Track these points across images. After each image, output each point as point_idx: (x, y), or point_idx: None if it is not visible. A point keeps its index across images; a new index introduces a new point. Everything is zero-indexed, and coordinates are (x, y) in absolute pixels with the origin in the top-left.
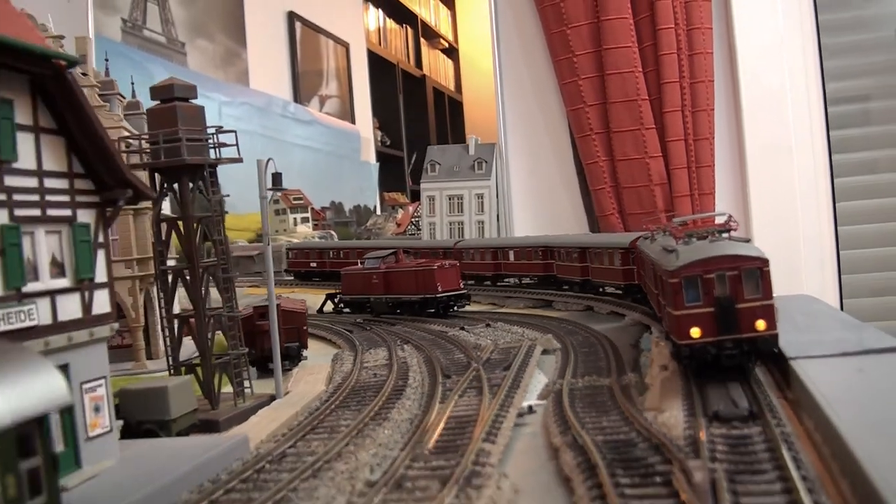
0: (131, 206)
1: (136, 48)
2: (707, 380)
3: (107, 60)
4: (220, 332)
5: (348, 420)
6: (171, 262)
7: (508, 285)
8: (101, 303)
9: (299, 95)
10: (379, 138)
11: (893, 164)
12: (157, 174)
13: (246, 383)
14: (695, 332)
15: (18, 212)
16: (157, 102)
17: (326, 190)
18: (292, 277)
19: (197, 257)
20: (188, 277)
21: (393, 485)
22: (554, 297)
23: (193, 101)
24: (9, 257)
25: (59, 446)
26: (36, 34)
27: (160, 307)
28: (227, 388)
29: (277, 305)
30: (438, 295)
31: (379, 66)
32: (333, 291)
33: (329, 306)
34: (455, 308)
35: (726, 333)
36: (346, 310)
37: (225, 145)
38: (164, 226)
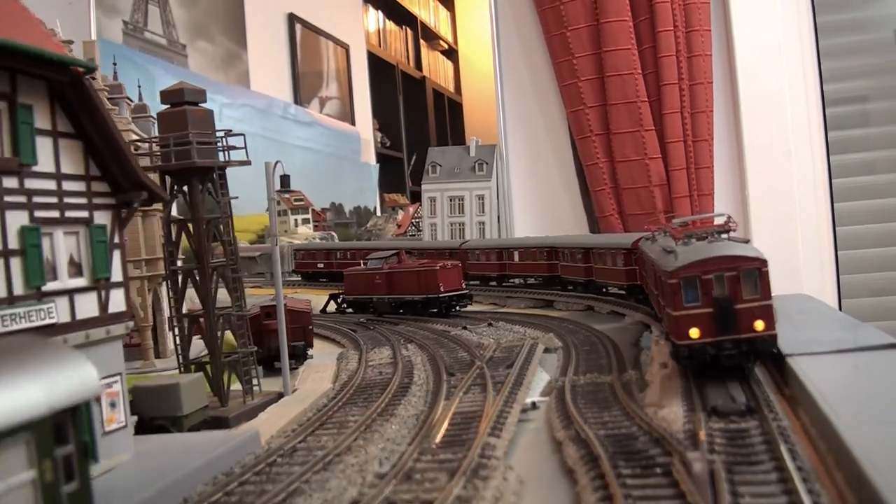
0: (145, 207)
1: (137, 50)
2: (706, 378)
3: (115, 64)
4: (228, 331)
5: (356, 416)
6: (178, 263)
7: (509, 286)
8: (117, 301)
9: (300, 97)
10: (379, 140)
11: (892, 164)
12: (167, 176)
13: (254, 381)
14: (693, 332)
15: (38, 213)
16: (167, 106)
17: (327, 191)
18: (299, 278)
19: (207, 258)
20: (198, 278)
21: (402, 476)
22: (555, 297)
23: (202, 104)
24: (29, 257)
25: None
26: (53, 41)
27: (170, 307)
28: (236, 386)
29: (284, 305)
30: (441, 295)
31: (379, 67)
32: (337, 292)
33: (332, 306)
34: (457, 308)
35: (725, 334)
36: (349, 310)
37: (234, 148)
38: (173, 227)
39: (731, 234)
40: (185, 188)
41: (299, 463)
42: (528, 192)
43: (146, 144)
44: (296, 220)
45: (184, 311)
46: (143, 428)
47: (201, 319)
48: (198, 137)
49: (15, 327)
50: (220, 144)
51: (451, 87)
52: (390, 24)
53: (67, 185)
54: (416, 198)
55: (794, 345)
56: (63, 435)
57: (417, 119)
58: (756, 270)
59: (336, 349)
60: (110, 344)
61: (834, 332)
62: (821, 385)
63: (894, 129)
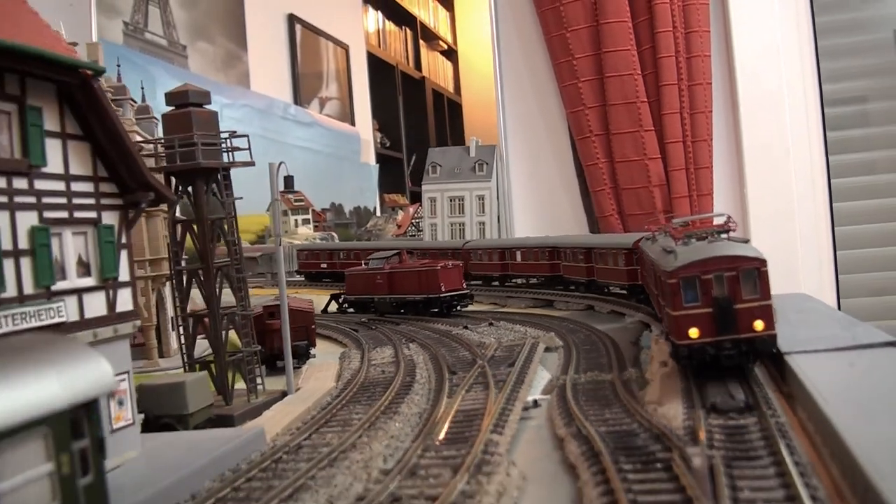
0: (152, 208)
1: (137, 51)
2: (706, 378)
3: (118, 66)
4: (232, 330)
5: (360, 414)
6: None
7: (510, 286)
8: (125, 301)
9: (300, 97)
10: (378, 140)
11: (890, 164)
12: (172, 177)
13: (258, 380)
14: (693, 332)
15: (47, 214)
16: (172, 107)
17: (327, 191)
18: (302, 278)
19: (211, 258)
20: (202, 277)
21: (407, 472)
22: (555, 297)
23: (207, 106)
24: (39, 257)
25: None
26: (63, 45)
27: (175, 306)
28: (239, 385)
29: (287, 305)
30: (442, 295)
31: (378, 68)
32: (338, 292)
33: (333, 306)
34: (458, 307)
35: (724, 334)
36: (350, 310)
37: (238, 149)
38: (178, 227)
39: (731, 233)
40: (190, 189)
41: (305, 459)
42: (528, 193)
43: (151, 145)
44: (296, 220)
45: (188, 310)
46: (149, 426)
47: (206, 319)
48: (202, 139)
49: (25, 326)
50: (224, 145)
51: (451, 88)
52: (390, 25)
53: (76, 186)
54: (415, 198)
55: (792, 343)
56: (79, 429)
57: (417, 119)
58: (755, 270)
59: (338, 349)
60: (118, 342)
61: (831, 330)
62: (818, 382)
63: (893, 130)
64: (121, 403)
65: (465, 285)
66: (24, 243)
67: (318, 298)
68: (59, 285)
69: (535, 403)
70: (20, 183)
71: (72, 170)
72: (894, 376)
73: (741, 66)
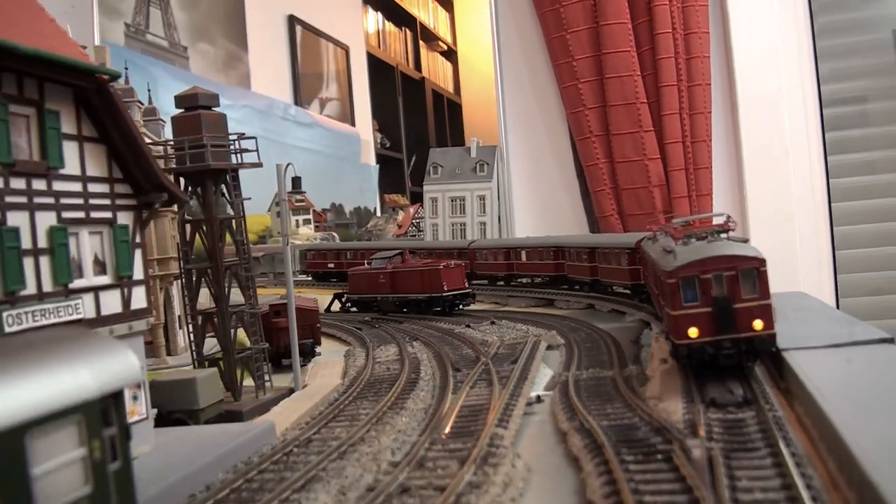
0: (164, 208)
1: (138, 52)
2: (706, 377)
3: (126, 69)
4: (239, 328)
5: (367, 409)
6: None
7: (513, 285)
8: (139, 298)
9: (300, 98)
10: (378, 140)
11: (889, 165)
12: (181, 178)
13: (266, 377)
14: (692, 332)
15: (65, 214)
16: (181, 110)
17: (327, 192)
18: (309, 277)
19: (220, 257)
20: (210, 276)
21: (415, 464)
22: (556, 296)
23: (216, 108)
24: (57, 256)
25: None
26: (79, 50)
27: (184, 304)
28: (247, 382)
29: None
30: (444, 294)
31: (378, 68)
32: (341, 291)
33: (336, 305)
34: (460, 306)
35: (724, 333)
36: (354, 309)
37: (246, 151)
38: (187, 227)
39: (731, 233)
40: (199, 189)
41: (315, 452)
42: (528, 193)
43: (160, 147)
44: (297, 220)
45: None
46: (160, 421)
47: (215, 317)
48: (212, 140)
49: (44, 322)
50: (232, 147)
51: (451, 88)
52: (390, 26)
53: (92, 187)
54: (415, 198)
55: (790, 340)
56: (108, 418)
57: (417, 120)
58: (754, 270)
59: (342, 347)
60: (132, 339)
61: (828, 327)
62: (815, 377)
63: (892, 130)
64: (135, 398)
65: (467, 284)
66: (43, 242)
67: (321, 298)
68: (77, 283)
69: (539, 399)
70: (39, 184)
71: (88, 171)
72: (890, 372)
73: (740, 67)
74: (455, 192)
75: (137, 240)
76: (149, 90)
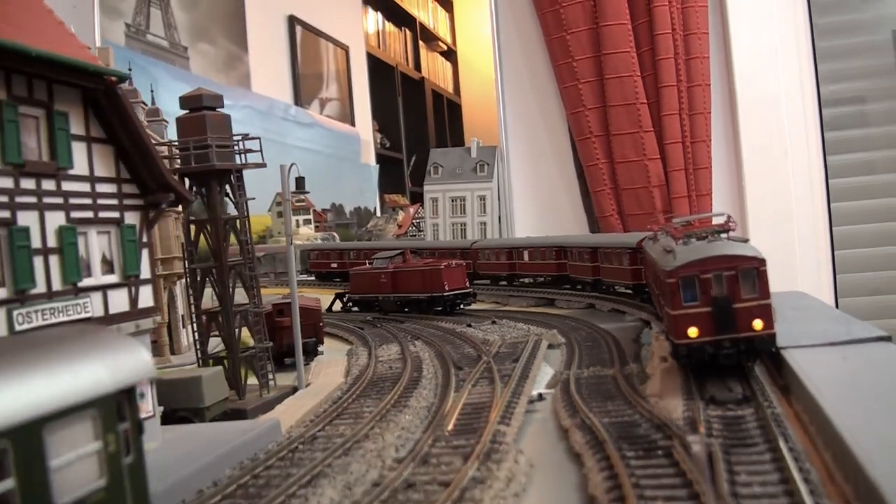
0: (171, 208)
1: (139, 52)
2: (705, 377)
3: (129, 70)
4: (243, 327)
5: (371, 407)
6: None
7: (512, 285)
8: (146, 297)
9: (300, 98)
10: (378, 140)
11: (888, 165)
12: (186, 178)
13: (269, 375)
14: (692, 331)
15: (74, 214)
16: (186, 111)
17: (327, 192)
18: (312, 277)
19: (225, 256)
20: (214, 276)
21: (419, 460)
22: (556, 296)
23: (220, 109)
24: (66, 255)
25: None
26: (87, 52)
27: (189, 304)
28: (251, 382)
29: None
30: (445, 293)
31: (378, 68)
32: (342, 291)
33: (338, 305)
34: (461, 306)
35: (723, 333)
36: (355, 308)
37: (250, 151)
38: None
39: (731, 233)
40: (204, 190)
41: (320, 449)
42: (528, 193)
43: (164, 148)
44: (297, 220)
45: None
46: (165, 419)
47: (219, 316)
48: (216, 141)
49: (54, 320)
50: (236, 147)
51: (450, 88)
52: (389, 26)
53: (100, 188)
54: (415, 198)
55: (789, 338)
56: (122, 412)
57: (417, 120)
58: (754, 270)
59: (345, 346)
60: (139, 337)
61: (827, 326)
62: (813, 375)
63: (891, 130)
64: (142, 396)
65: (467, 284)
66: (52, 242)
67: (323, 298)
68: (85, 282)
69: (540, 397)
70: (48, 184)
71: (96, 172)
72: (887, 369)
73: (739, 67)
74: (455, 192)
75: (144, 239)
76: (152, 91)
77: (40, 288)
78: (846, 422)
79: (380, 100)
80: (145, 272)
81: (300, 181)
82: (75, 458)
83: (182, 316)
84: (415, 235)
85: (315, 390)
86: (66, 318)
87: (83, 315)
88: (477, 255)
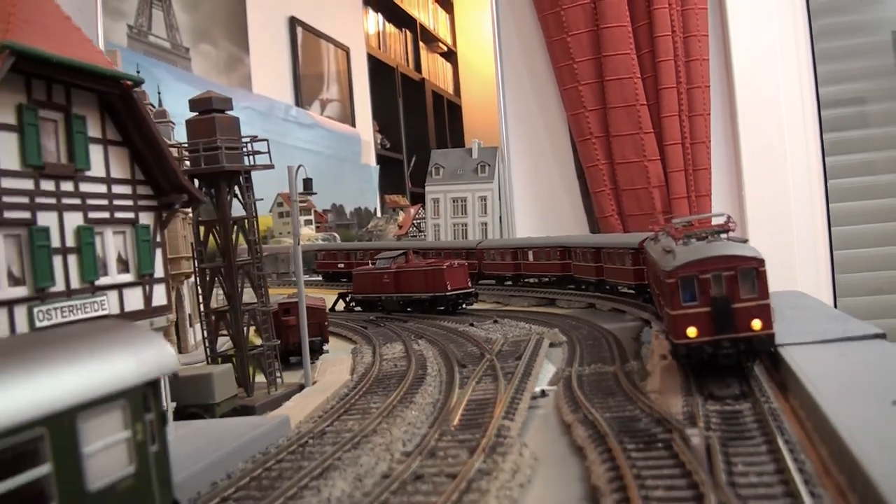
0: (184, 209)
1: (141, 54)
2: (704, 376)
3: (138, 72)
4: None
5: (377, 403)
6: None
7: (515, 285)
8: (160, 296)
9: (301, 99)
10: (379, 141)
11: (887, 166)
12: (195, 180)
13: (277, 373)
14: (691, 331)
15: (91, 214)
16: (196, 113)
17: (328, 192)
18: (315, 278)
19: (233, 256)
20: (223, 275)
21: (427, 454)
22: (557, 296)
23: (229, 112)
24: (84, 254)
25: None
26: (104, 57)
27: (198, 303)
28: (258, 380)
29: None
30: (448, 293)
31: (379, 69)
32: (345, 290)
33: (341, 305)
34: (463, 305)
35: (722, 333)
36: (358, 308)
37: (259, 153)
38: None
39: (731, 233)
40: (213, 191)
41: (330, 443)
42: (529, 194)
43: (173, 149)
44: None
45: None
46: (176, 415)
47: (227, 315)
48: (226, 143)
49: (72, 318)
50: (245, 149)
51: (450, 89)
52: (390, 27)
53: (116, 189)
54: (416, 199)
55: (786, 336)
56: (148, 403)
57: (417, 121)
58: (753, 270)
59: (349, 345)
60: None
61: (823, 324)
62: (809, 371)
63: (890, 131)
64: None
65: (469, 284)
66: (70, 242)
67: (325, 298)
68: (102, 280)
69: (543, 393)
70: (67, 186)
71: (112, 173)
72: (881, 365)
73: (739, 69)
74: (457, 192)
75: (158, 239)
76: (159, 93)
77: (59, 286)
78: (841, 416)
79: (380, 101)
80: (159, 271)
81: (308, 182)
82: (106, 446)
83: (189, 315)
84: (415, 236)
85: (322, 387)
86: (84, 316)
87: (100, 312)
88: (482, 255)
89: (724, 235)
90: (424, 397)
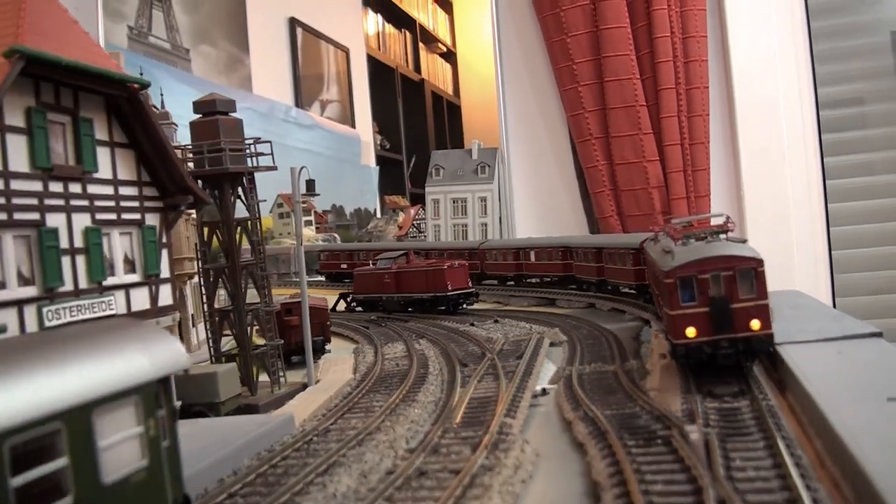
0: (190, 210)
1: (141, 55)
2: (703, 376)
3: (141, 74)
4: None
5: (380, 402)
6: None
7: (518, 285)
8: (165, 295)
9: (301, 100)
10: (378, 142)
11: (885, 166)
12: (199, 181)
13: (280, 372)
14: (690, 331)
15: (99, 216)
16: (199, 115)
17: (328, 193)
18: (322, 278)
19: (237, 256)
20: (227, 275)
21: (430, 450)
22: (557, 296)
23: (232, 114)
24: (92, 255)
25: None
26: (111, 61)
27: (201, 303)
28: (261, 379)
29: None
30: (448, 293)
31: (378, 70)
32: (346, 291)
33: (342, 305)
34: (464, 305)
35: (721, 333)
36: (359, 308)
37: (262, 154)
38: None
39: (729, 234)
40: (217, 192)
41: (335, 441)
42: (529, 194)
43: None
44: None
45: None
46: (181, 414)
47: (232, 315)
48: (229, 145)
49: (81, 317)
50: (248, 151)
51: (450, 90)
52: (389, 28)
53: (123, 190)
54: (415, 200)
55: (784, 334)
56: (159, 400)
57: (416, 121)
58: (752, 270)
59: (350, 345)
60: None
61: (821, 323)
62: (806, 369)
63: (888, 131)
64: None
65: (470, 284)
66: (79, 242)
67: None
68: (109, 280)
69: (544, 392)
70: (75, 187)
71: (119, 175)
72: (877, 363)
73: (737, 70)
74: (457, 193)
75: (164, 240)
76: (161, 94)
77: (68, 286)
78: (837, 411)
79: (380, 101)
80: (165, 271)
81: (311, 184)
82: (121, 440)
83: (192, 315)
84: (415, 237)
85: (324, 387)
86: (92, 315)
87: (108, 312)
88: (485, 255)
89: (722, 236)
90: (427, 396)
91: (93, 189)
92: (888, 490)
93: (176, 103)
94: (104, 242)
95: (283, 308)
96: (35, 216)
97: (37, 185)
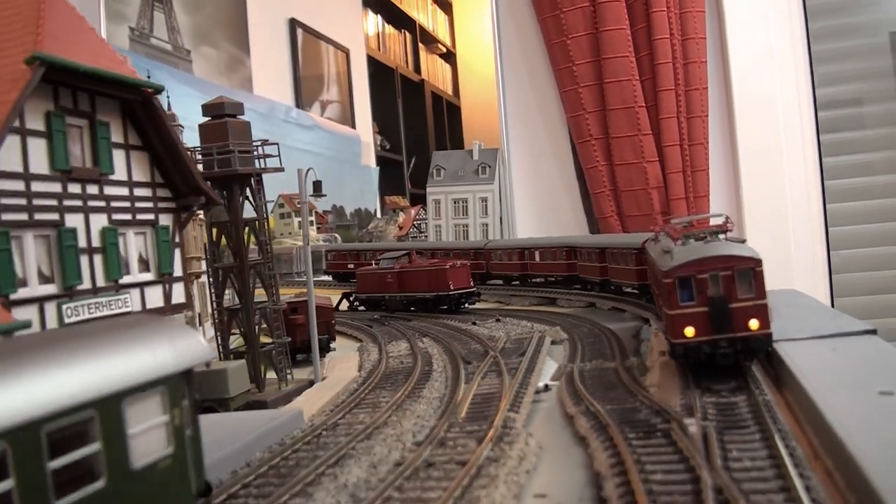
0: (202, 210)
1: (143, 56)
2: (703, 376)
3: (148, 77)
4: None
5: (387, 398)
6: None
7: (522, 285)
8: (178, 294)
9: (301, 101)
10: (379, 142)
11: (883, 166)
12: (208, 182)
13: (287, 369)
14: (689, 331)
15: (115, 216)
16: (208, 118)
17: (328, 193)
18: (329, 278)
19: (245, 256)
20: (235, 275)
21: (437, 443)
22: (558, 295)
23: (240, 116)
24: (109, 254)
25: None
26: (127, 66)
27: (211, 301)
28: (269, 376)
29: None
30: (451, 293)
31: (378, 71)
32: (349, 290)
33: (345, 304)
34: (466, 305)
35: (720, 333)
36: (361, 308)
37: (270, 156)
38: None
39: (729, 234)
40: (225, 193)
41: (343, 435)
42: (529, 195)
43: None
44: (299, 222)
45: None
46: None
47: (240, 314)
48: (238, 147)
49: (99, 314)
50: (256, 153)
51: (450, 90)
52: (389, 29)
53: (137, 192)
54: (415, 200)
55: (781, 332)
56: (183, 391)
57: (416, 122)
58: (750, 270)
59: (355, 343)
60: None
61: (817, 320)
62: (802, 364)
63: (887, 132)
64: None
65: (472, 283)
66: (96, 242)
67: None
68: (125, 279)
69: (546, 388)
70: (92, 189)
71: (134, 177)
72: (871, 359)
73: (736, 71)
74: (458, 194)
75: (177, 240)
76: (168, 97)
77: (86, 284)
78: (831, 404)
79: (380, 102)
80: (178, 270)
81: (318, 185)
82: (148, 428)
83: (199, 314)
84: (416, 237)
85: (331, 383)
86: (109, 313)
87: (124, 310)
88: (490, 255)
89: (721, 236)
90: (431, 392)
91: (109, 190)
92: (878, 478)
93: (177, 104)
94: (120, 242)
95: (289, 307)
96: (55, 216)
97: (56, 187)
